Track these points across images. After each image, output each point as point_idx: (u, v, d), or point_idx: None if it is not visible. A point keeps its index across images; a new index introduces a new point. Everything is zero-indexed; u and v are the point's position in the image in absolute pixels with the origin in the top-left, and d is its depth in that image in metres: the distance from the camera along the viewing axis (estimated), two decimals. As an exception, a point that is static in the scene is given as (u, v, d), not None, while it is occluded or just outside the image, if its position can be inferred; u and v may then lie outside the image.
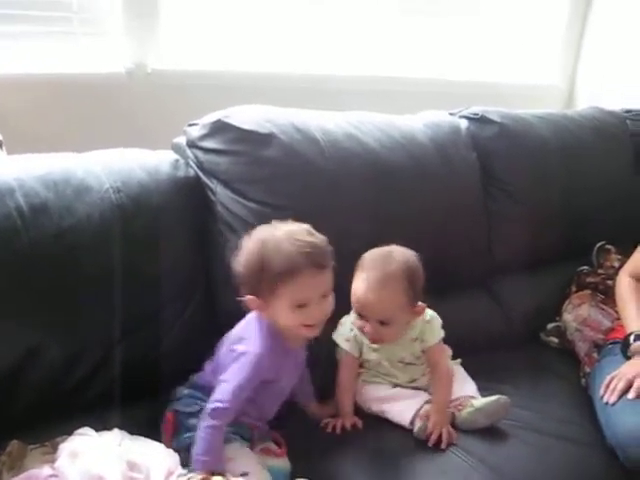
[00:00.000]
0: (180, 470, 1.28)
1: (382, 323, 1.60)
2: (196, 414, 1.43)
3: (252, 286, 1.43)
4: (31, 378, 1.43)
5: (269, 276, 1.39)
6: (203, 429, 1.38)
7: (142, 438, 1.38)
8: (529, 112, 2.26)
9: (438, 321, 1.71)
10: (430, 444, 1.54)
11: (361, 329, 1.63)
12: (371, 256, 1.63)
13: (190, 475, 1.27)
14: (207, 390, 1.45)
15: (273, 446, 1.52)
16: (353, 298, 1.62)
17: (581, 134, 2.29)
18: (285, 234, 1.42)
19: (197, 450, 1.36)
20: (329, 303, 1.47)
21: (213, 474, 1.27)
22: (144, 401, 1.53)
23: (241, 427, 1.48)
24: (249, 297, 1.44)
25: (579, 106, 2.98)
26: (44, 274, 1.43)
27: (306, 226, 1.46)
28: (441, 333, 1.70)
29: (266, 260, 1.39)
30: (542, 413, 1.71)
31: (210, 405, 1.40)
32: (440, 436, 1.55)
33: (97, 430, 1.36)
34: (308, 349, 1.58)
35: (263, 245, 1.41)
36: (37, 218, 1.44)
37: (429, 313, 1.70)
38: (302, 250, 1.39)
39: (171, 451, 1.34)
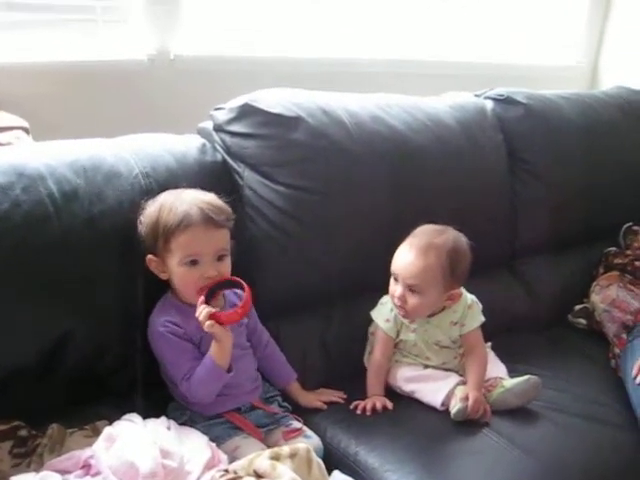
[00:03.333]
0: (222, 466, 1.26)
1: (411, 290, 1.60)
2: (187, 422, 1.44)
3: (151, 244, 1.44)
4: (64, 364, 1.43)
5: (164, 230, 1.41)
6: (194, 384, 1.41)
7: (189, 428, 1.38)
8: (554, 92, 2.25)
9: (479, 306, 1.71)
10: (475, 417, 1.54)
11: (392, 293, 1.63)
12: (425, 227, 1.65)
13: (223, 474, 1.23)
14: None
15: (295, 424, 1.51)
16: (393, 260, 1.63)
17: (607, 114, 2.28)
18: (187, 196, 1.45)
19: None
20: (225, 266, 1.46)
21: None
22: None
23: (224, 423, 1.46)
24: (149, 256, 1.45)
25: (603, 86, 2.95)
26: (75, 260, 1.43)
27: (213, 194, 1.48)
28: (481, 318, 1.70)
29: (162, 215, 1.42)
30: (571, 394, 1.70)
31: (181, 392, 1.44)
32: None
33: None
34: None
35: (162, 204, 1.44)
36: (68, 205, 1.43)
37: (469, 297, 1.70)
38: (197, 205, 1.42)
39: (214, 446, 1.33)
